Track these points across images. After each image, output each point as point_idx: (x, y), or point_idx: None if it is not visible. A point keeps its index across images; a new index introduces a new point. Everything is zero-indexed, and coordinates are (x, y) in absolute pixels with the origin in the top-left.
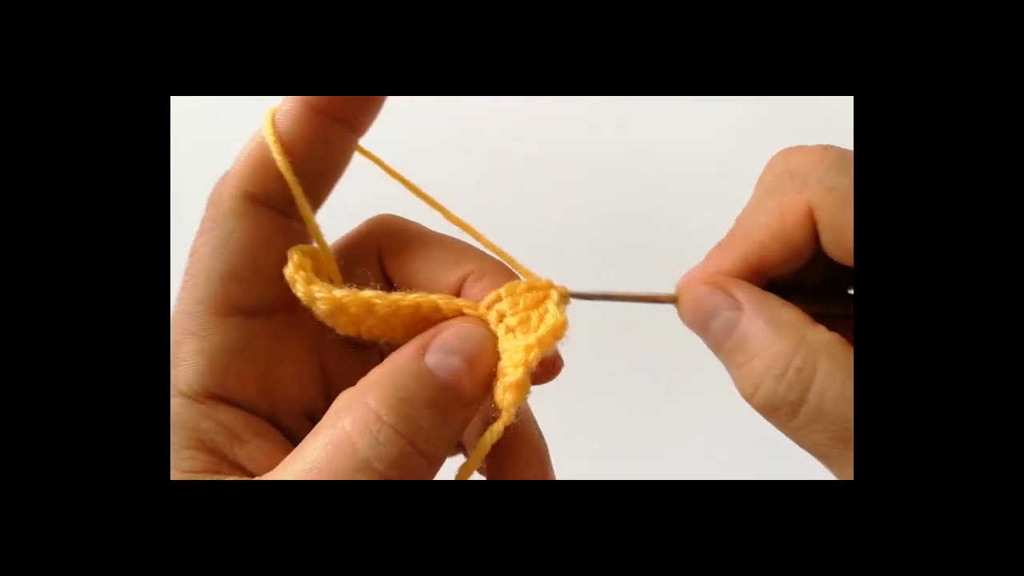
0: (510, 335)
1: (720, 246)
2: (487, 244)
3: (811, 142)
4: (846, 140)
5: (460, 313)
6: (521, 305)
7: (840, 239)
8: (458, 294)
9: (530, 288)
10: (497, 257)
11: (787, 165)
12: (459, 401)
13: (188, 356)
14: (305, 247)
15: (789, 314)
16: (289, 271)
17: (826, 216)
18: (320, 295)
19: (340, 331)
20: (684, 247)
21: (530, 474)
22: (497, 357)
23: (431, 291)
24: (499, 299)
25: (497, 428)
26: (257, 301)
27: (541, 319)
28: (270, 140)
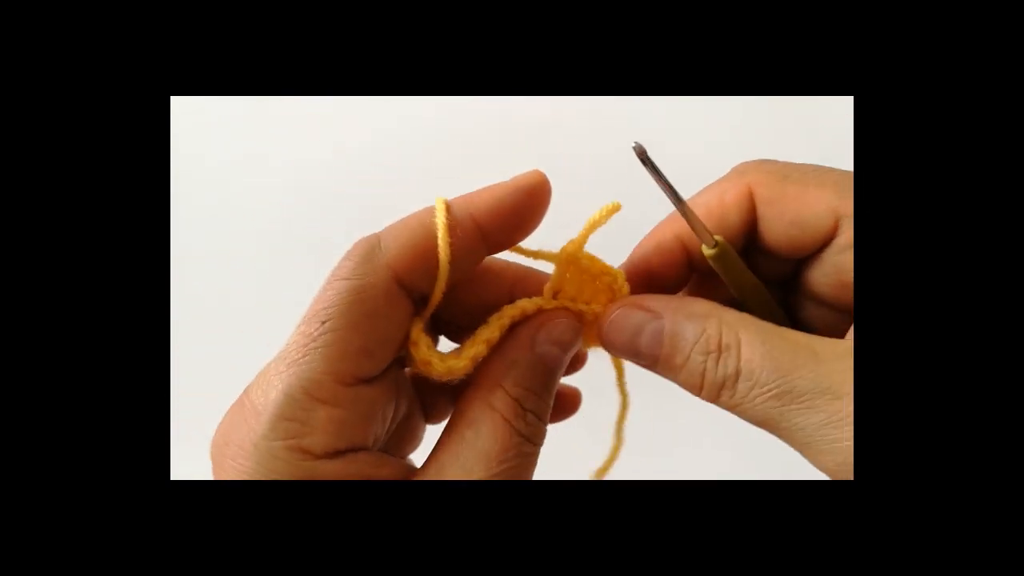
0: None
1: (657, 226)
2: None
3: (811, 142)
4: (846, 140)
5: (540, 310)
6: (580, 289)
7: (778, 213)
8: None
9: (585, 272)
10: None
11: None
12: (556, 379)
13: (322, 424)
14: (418, 324)
15: (702, 305)
16: (423, 353)
17: (765, 191)
18: (460, 365)
19: (446, 378)
20: None
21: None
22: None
23: (483, 313)
24: (560, 288)
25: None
26: (378, 370)
27: (599, 292)
28: (443, 248)
